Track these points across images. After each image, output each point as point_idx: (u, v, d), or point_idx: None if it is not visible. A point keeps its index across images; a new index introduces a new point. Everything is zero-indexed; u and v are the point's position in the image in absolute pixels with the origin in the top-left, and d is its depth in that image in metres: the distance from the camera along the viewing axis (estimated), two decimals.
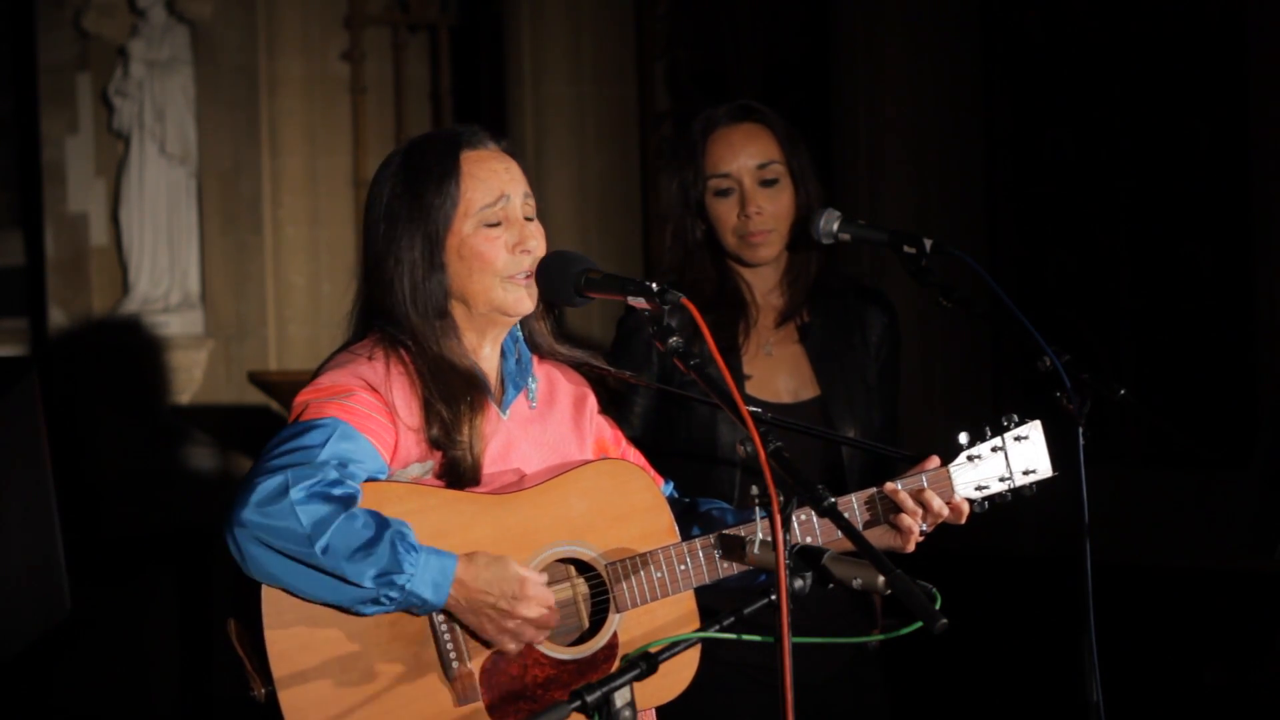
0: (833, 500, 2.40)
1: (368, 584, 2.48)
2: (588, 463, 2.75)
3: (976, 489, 2.89)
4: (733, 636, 2.40)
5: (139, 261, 7.21)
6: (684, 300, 2.55)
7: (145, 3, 7.13)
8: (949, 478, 2.87)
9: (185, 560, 6.98)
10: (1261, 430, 4.99)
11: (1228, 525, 4.97)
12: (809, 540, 2.77)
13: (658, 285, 2.57)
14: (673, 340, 2.56)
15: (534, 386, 2.80)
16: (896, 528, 2.83)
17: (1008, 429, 2.91)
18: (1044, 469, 2.94)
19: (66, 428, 7.04)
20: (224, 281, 7.13)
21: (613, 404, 3.50)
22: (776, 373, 3.49)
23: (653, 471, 2.91)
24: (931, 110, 5.79)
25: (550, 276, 2.71)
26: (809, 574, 2.39)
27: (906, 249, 3.26)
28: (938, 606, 2.29)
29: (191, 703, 6.91)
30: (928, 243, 3.24)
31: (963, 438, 2.90)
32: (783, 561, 2.28)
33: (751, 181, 3.47)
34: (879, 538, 2.84)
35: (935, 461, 2.87)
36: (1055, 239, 5.74)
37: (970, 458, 2.89)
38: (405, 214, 2.69)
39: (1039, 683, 4.97)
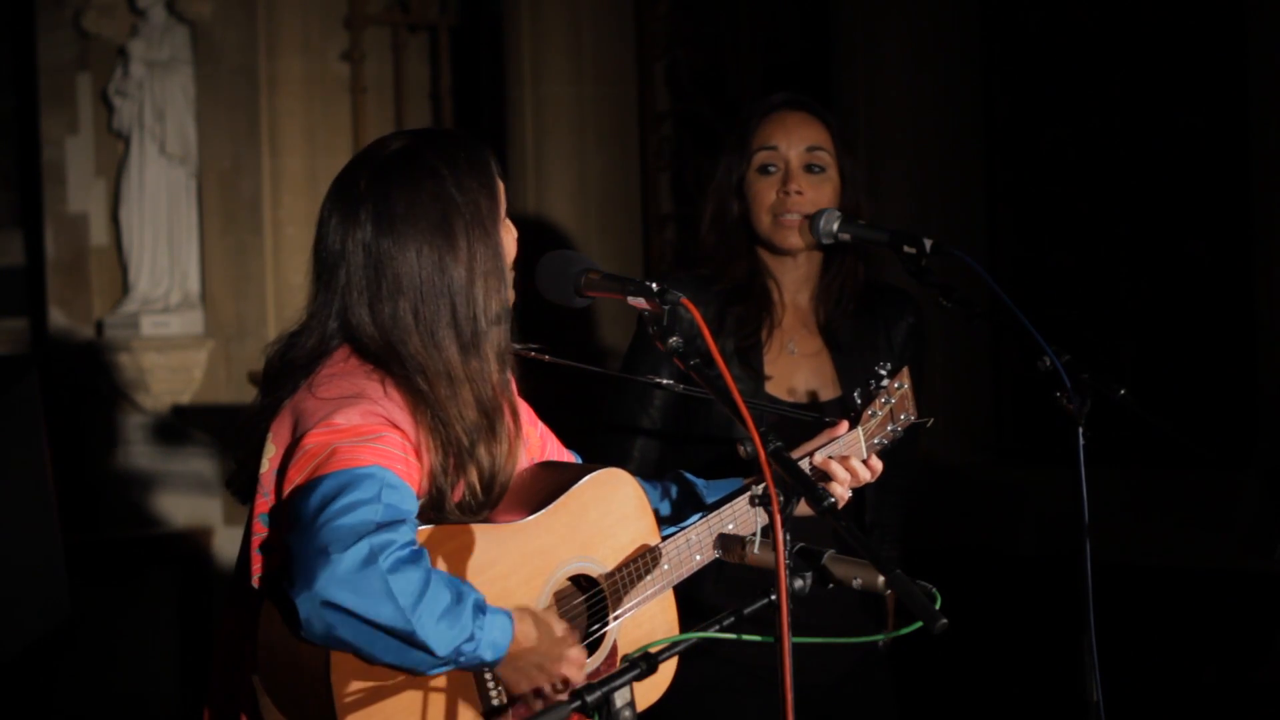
0: (833, 500, 2.40)
1: (448, 651, 2.41)
2: (583, 475, 2.74)
3: (875, 444, 3.04)
4: (733, 636, 2.40)
5: (139, 261, 7.21)
6: (684, 300, 2.55)
7: (145, 3, 7.13)
8: (859, 440, 3.00)
9: (185, 560, 6.98)
10: (1262, 431, 4.99)
11: (1228, 525, 4.97)
12: (731, 527, 2.83)
13: (658, 285, 2.57)
14: (673, 340, 2.56)
15: None
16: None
17: (889, 380, 3.07)
18: (914, 414, 3.12)
19: (66, 428, 7.04)
20: (224, 281, 7.13)
21: (619, 395, 3.51)
22: (797, 372, 3.48)
23: (569, 453, 2.96)
24: (931, 110, 5.78)
25: (550, 276, 2.70)
26: (809, 574, 2.40)
27: (906, 249, 3.26)
28: (938, 606, 2.29)
29: (191, 703, 6.92)
30: (928, 243, 3.25)
31: (858, 397, 3.05)
32: (783, 561, 2.28)
33: (797, 162, 3.45)
34: (804, 506, 2.87)
35: (845, 426, 3.00)
36: (1055, 239, 5.74)
37: (872, 415, 3.03)
38: (474, 226, 2.61)
39: (1039, 683, 4.97)
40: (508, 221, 2.70)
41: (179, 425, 7.20)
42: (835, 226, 3.40)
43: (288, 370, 2.62)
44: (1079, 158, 5.68)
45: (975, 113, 5.85)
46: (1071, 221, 5.69)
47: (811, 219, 3.41)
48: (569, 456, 2.97)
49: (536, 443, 2.90)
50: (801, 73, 6.21)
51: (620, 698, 2.31)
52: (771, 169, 3.46)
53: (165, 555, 7.03)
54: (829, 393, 3.47)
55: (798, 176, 3.44)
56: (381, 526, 2.39)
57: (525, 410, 2.86)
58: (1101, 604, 3.08)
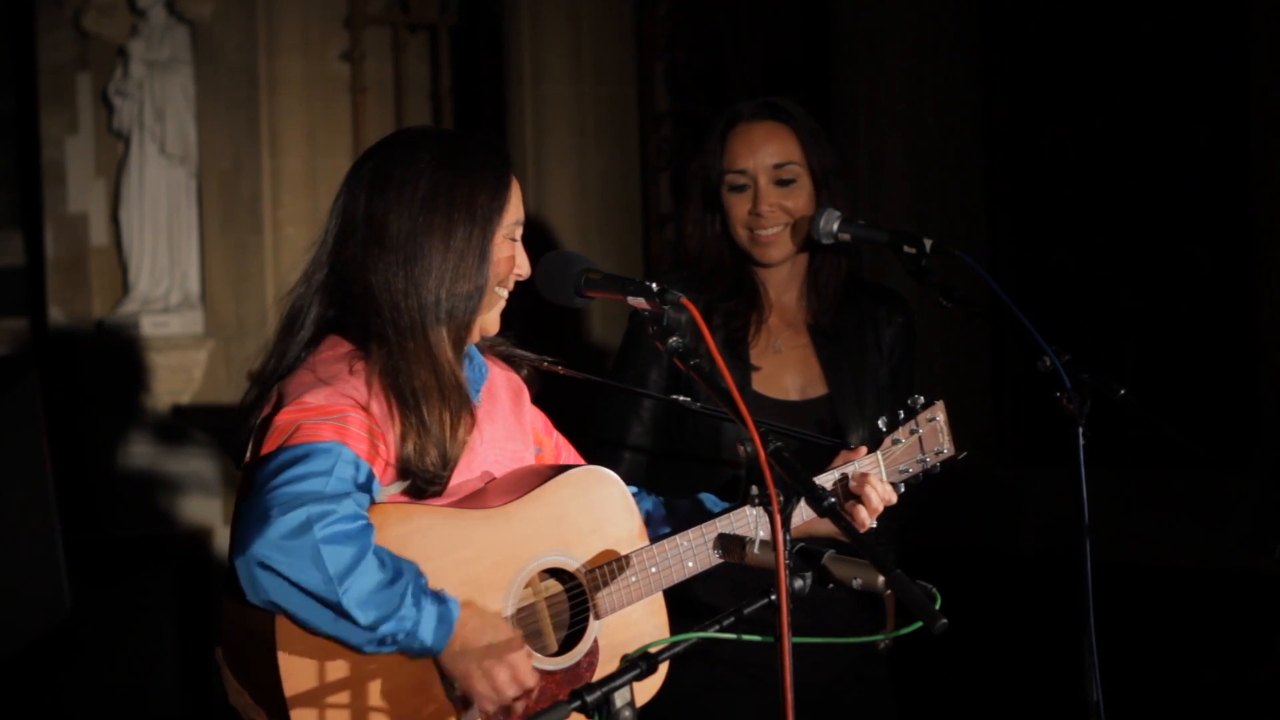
0: (833, 500, 2.40)
1: (378, 628, 2.45)
2: (565, 470, 2.74)
3: (900, 471, 3.01)
4: (733, 636, 2.40)
5: (139, 261, 7.21)
6: (684, 300, 2.56)
7: (145, 3, 7.13)
8: (879, 465, 2.98)
9: (185, 560, 6.98)
10: (1262, 431, 4.99)
11: (1228, 525, 4.97)
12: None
13: (658, 285, 2.58)
14: (673, 340, 2.56)
15: (481, 384, 2.79)
16: (850, 515, 2.88)
17: (919, 411, 3.04)
18: (949, 448, 3.07)
19: (66, 428, 7.04)
20: (224, 281, 7.13)
21: (612, 399, 3.50)
22: (785, 369, 3.48)
23: (580, 458, 2.96)
24: (931, 110, 5.78)
25: (550, 276, 2.71)
26: (809, 574, 2.40)
27: (906, 249, 3.26)
28: (938, 606, 2.29)
29: (191, 703, 6.92)
30: (928, 243, 3.25)
31: (882, 424, 3.02)
32: (783, 561, 2.28)
33: (766, 180, 3.45)
34: (820, 524, 2.86)
35: (864, 451, 2.98)
36: (1055, 239, 5.74)
37: (894, 442, 3.01)
38: (460, 208, 2.63)
39: (1039, 683, 4.97)
40: (518, 240, 2.71)
41: (179, 425, 7.20)
42: (835, 227, 3.40)
43: (282, 369, 2.70)
44: (1079, 158, 5.68)
45: (975, 113, 5.85)
46: (1071, 222, 5.69)
47: (812, 219, 3.42)
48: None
49: (550, 451, 2.92)
50: (801, 73, 6.21)
51: (620, 698, 2.31)
52: (744, 187, 3.47)
53: (165, 555, 7.03)
54: (816, 390, 3.47)
55: (767, 195, 3.45)
56: (328, 497, 2.45)
57: (541, 419, 2.90)
58: (1101, 604, 3.08)
